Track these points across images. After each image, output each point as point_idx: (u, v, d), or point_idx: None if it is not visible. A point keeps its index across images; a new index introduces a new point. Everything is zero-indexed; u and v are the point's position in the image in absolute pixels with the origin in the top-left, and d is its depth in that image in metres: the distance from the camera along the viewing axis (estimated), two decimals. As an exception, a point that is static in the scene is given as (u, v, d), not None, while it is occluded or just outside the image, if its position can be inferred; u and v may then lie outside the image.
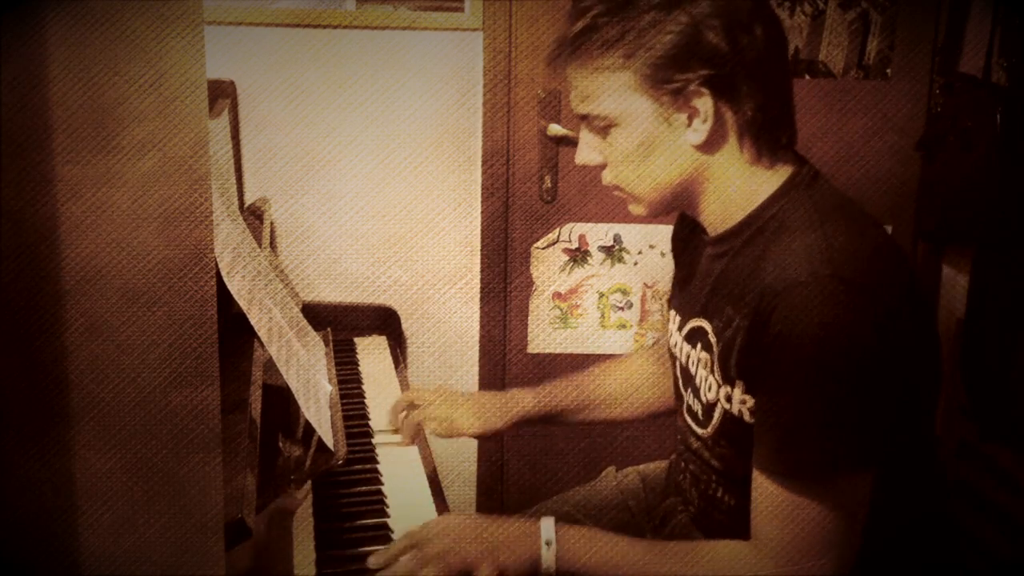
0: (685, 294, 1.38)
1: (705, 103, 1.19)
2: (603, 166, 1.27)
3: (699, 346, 1.30)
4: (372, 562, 1.26)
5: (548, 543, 1.24)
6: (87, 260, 0.81)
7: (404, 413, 1.64)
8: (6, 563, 0.84)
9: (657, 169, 1.23)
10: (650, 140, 1.22)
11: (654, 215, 1.30)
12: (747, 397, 1.21)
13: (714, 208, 1.26)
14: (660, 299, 2.35)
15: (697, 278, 1.34)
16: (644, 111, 1.20)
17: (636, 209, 1.30)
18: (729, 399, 1.24)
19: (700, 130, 1.20)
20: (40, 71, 0.78)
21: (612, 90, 1.20)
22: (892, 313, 1.14)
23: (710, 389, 1.27)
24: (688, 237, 1.42)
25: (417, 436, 1.61)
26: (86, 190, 0.80)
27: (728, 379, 1.23)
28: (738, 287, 1.22)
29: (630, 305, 2.35)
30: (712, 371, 1.26)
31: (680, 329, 1.36)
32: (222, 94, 2.08)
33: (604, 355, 2.35)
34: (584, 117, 1.26)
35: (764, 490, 1.17)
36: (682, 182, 1.24)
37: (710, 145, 1.21)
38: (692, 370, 1.32)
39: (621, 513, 1.58)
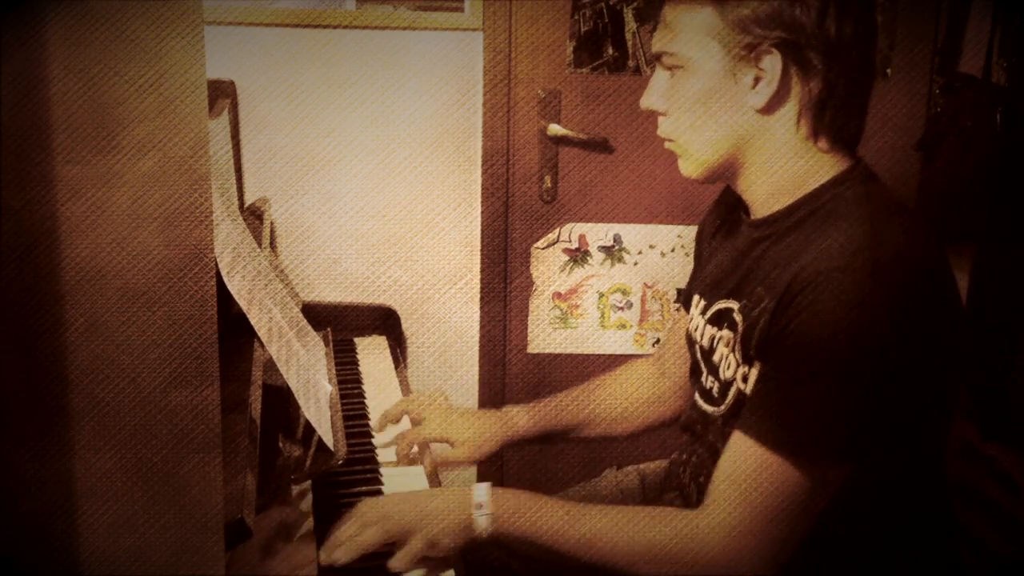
0: (713, 278, 1.37)
1: (774, 64, 1.19)
2: (662, 115, 1.28)
3: (724, 325, 1.29)
4: (324, 557, 1.23)
5: (480, 506, 1.24)
6: (87, 260, 0.81)
7: (400, 434, 1.58)
8: (6, 563, 0.84)
9: (714, 123, 1.23)
10: (713, 90, 1.22)
11: (704, 177, 1.29)
12: None
13: (763, 183, 1.25)
14: (660, 299, 2.35)
15: (730, 261, 1.33)
16: (714, 58, 1.21)
17: (686, 167, 1.29)
18: (745, 379, 1.23)
19: (763, 93, 1.20)
20: (40, 71, 0.78)
21: (693, 28, 1.21)
22: (921, 321, 1.13)
23: (729, 367, 1.27)
24: (721, 224, 1.42)
25: (412, 458, 1.56)
26: (86, 190, 0.80)
27: (747, 359, 1.23)
28: (775, 269, 1.21)
29: (630, 305, 2.35)
30: (733, 349, 1.26)
31: (704, 313, 1.35)
32: (222, 94, 2.08)
33: (604, 355, 2.35)
34: (658, 56, 1.26)
35: (736, 449, 1.17)
36: (736, 144, 1.24)
37: (769, 110, 1.21)
38: (714, 348, 1.31)
39: (620, 513, 1.58)
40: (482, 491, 1.25)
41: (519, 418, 1.56)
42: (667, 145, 1.30)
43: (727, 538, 1.16)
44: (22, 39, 0.78)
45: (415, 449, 1.56)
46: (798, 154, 1.23)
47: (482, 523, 1.24)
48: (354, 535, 1.23)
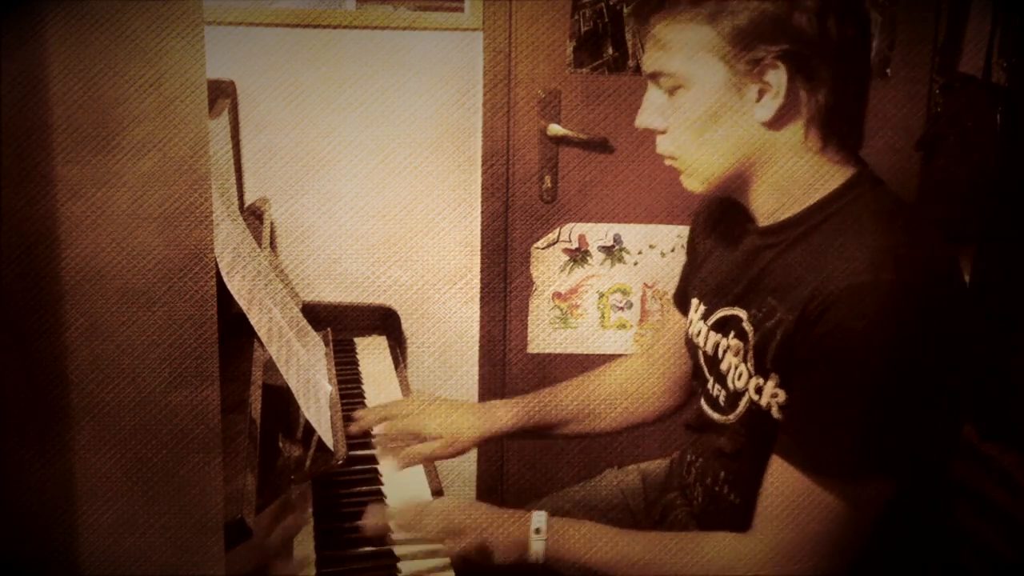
0: (714, 282, 1.35)
1: (779, 77, 1.16)
2: (661, 132, 1.25)
3: (731, 334, 1.27)
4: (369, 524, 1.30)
5: (538, 531, 1.25)
6: (87, 260, 0.81)
7: (381, 428, 1.58)
8: (6, 563, 0.84)
9: (719, 140, 1.20)
10: (717, 108, 1.19)
11: (709, 191, 1.27)
12: (780, 391, 1.19)
13: (770, 194, 1.23)
14: (660, 299, 2.35)
15: (732, 265, 1.32)
16: (717, 75, 1.18)
17: (690, 183, 1.26)
18: (759, 391, 1.22)
19: (769, 106, 1.17)
20: (40, 71, 0.78)
21: (690, 46, 1.18)
22: (947, 329, 1.12)
23: (739, 377, 1.25)
24: (719, 224, 1.40)
25: (394, 452, 1.54)
26: (86, 190, 0.80)
27: (762, 370, 1.21)
28: (787, 279, 1.19)
29: (630, 305, 2.35)
30: (745, 360, 1.24)
31: (706, 318, 1.34)
32: (222, 94, 2.08)
33: (604, 355, 2.35)
34: (653, 76, 1.24)
35: (779, 478, 1.16)
36: (742, 159, 1.21)
37: (777, 123, 1.19)
38: (720, 356, 1.30)
39: (621, 512, 1.58)
40: (540, 517, 1.26)
41: (501, 412, 1.55)
42: (668, 162, 1.27)
43: (780, 562, 1.15)
44: (22, 39, 0.78)
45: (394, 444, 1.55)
46: (807, 165, 1.21)
47: (537, 547, 1.25)
48: (417, 516, 1.29)
